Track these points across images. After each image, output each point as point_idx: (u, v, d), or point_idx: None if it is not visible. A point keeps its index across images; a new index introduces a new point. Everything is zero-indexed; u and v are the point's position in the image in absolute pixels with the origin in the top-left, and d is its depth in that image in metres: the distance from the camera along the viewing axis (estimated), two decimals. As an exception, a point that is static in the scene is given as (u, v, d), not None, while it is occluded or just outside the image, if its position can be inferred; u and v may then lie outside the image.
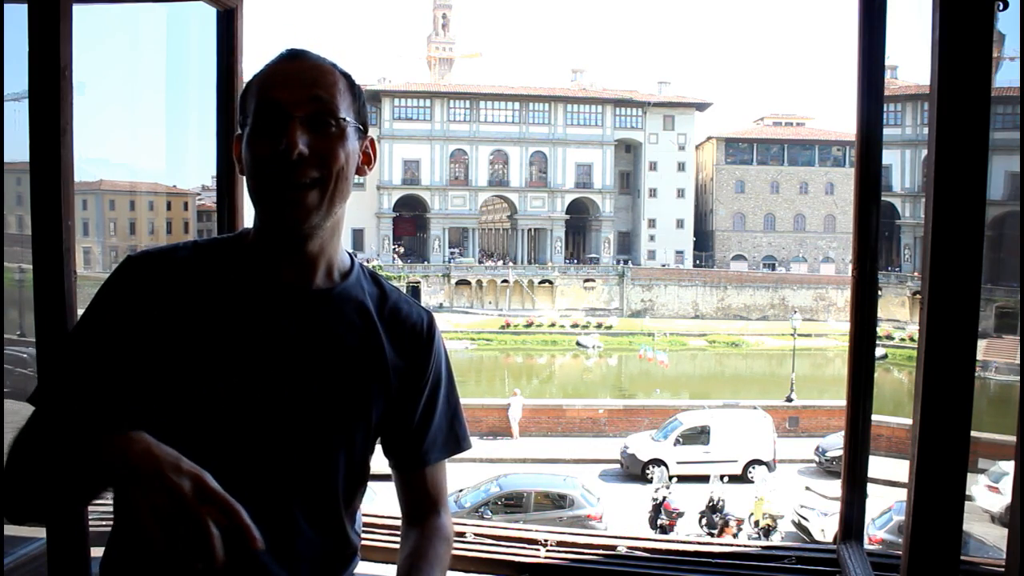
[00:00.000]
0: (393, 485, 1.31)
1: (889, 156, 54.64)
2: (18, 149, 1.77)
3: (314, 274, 1.16)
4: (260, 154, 1.08)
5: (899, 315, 48.88)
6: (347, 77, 1.15)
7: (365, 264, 1.28)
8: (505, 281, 54.89)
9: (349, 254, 1.24)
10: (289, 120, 1.07)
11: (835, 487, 12.85)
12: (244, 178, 1.13)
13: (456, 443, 1.31)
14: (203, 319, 1.10)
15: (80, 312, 1.73)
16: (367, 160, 1.18)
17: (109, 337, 1.08)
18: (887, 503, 13.40)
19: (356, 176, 1.17)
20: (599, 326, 51.09)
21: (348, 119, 1.11)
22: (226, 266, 1.15)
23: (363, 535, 1.48)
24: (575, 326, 50.94)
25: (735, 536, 14.14)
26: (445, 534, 1.28)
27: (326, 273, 1.17)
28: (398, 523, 1.33)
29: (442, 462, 1.31)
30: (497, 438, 21.32)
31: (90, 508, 1.87)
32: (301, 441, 1.13)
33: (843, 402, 2.07)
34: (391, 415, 1.22)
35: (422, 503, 1.30)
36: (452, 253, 60.87)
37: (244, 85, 1.15)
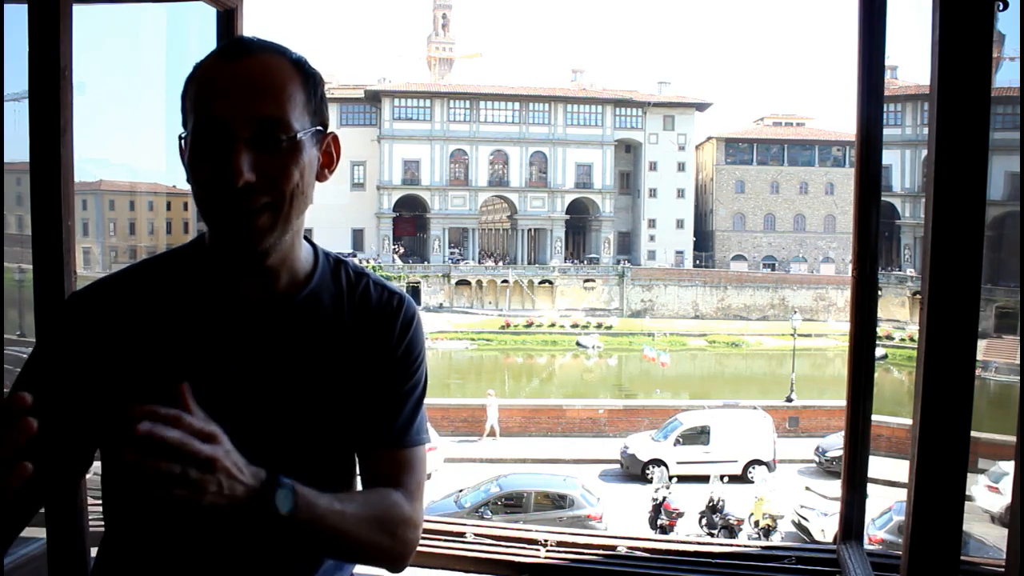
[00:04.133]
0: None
1: (889, 156, 54.61)
2: (18, 149, 1.77)
3: (276, 284, 1.09)
4: (203, 177, 0.97)
5: (899, 315, 48.86)
6: (300, 68, 1.01)
7: (339, 256, 1.20)
8: (505, 281, 54.89)
9: (311, 244, 1.15)
10: (233, 142, 0.95)
11: (835, 487, 12.85)
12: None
13: (417, 434, 1.18)
14: (164, 340, 1.04)
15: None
16: (328, 161, 1.08)
17: (57, 384, 1.01)
18: (887, 503, 13.41)
19: (317, 182, 1.07)
20: (599, 326, 51.07)
21: (302, 128, 1.00)
22: (183, 281, 1.08)
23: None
24: (575, 326, 50.93)
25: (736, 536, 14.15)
26: (389, 500, 1.11)
27: (289, 279, 1.10)
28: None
29: (404, 454, 1.17)
30: (478, 439, 21.17)
31: (90, 508, 1.87)
32: (278, 454, 1.07)
33: (843, 402, 2.07)
34: (364, 403, 1.15)
35: (382, 482, 1.15)
36: (452, 253, 60.88)
37: (185, 78, 1.02)
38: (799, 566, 2.09)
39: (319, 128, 1.04)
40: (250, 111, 0.96)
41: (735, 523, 14.92)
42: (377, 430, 1.16)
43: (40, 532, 1.90)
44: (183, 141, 1.01)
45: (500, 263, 59.23)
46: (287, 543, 1.04)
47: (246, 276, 1.07)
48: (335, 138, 1.09)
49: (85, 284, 1.09)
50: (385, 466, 1.16)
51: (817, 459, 19.63)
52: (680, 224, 64.34)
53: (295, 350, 1.10)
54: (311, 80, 1.03)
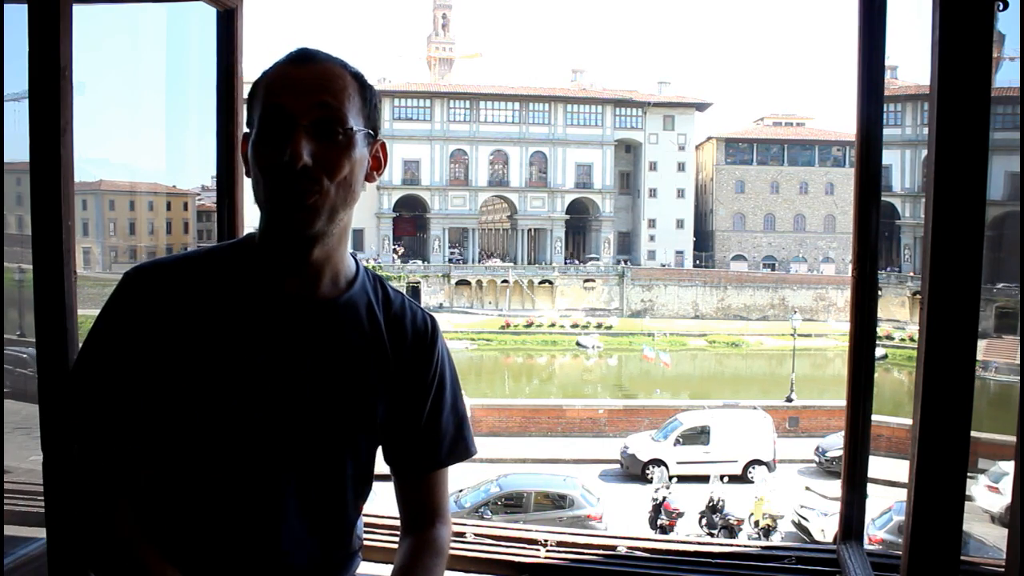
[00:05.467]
0: (393, 487, 1.30)
1: (889, 156, 54.59)
2: (18, 149, 1.76)
3: (319, 283, 1.15)
4: (265, 161, 1.06)
5: (899, 315, 48.85)
6: (358, 79, 1.12)
7: (367, 265, 1.28)
8: (505, 281, 54.87)
9: (354, 258, 1.22)
10: (294, 128, 1.04)
11: (835, 487, 12.85)
12: (246, 178, 1.11)
13: (465, 450, 1.30)
14: (209, 333, 1.10)
15: (80, 313, 1.73)
16: (377, 165, 1.16)
17: (124, 364, 1.08)
18: (887, 503, 13.40)
19: (365, 182, 1.15)
20: (599, 326, 51.06)
21: (356, 126, 1.09)
22: (230, 276, 1.14)
23: (363, 535, 1.48)
24: (575, 326, 50.91)
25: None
26: (438, 547, 1.26)
27: (331, 281, 1.16)
28: (398, 522, 1.33)
29: (445, 471, 1.30)
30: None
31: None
32: (310, 449, 1.14)
33: (843, 402, 2.07)
34: (396, 419, 1.22)
35: (422, 511, 1.28)
36: (452, 252, 60.87)
37: (253, 83, 1.13)
38: (799, 566, 2.09)
39: (371, 132, 1.13)
40: (312, 102, 1.06)
41: (735, 523, 14.91)
42: (426, 454, 1.26)
43: (40, 532, 1.89)
44: (247, 137, 1.10)
45: (500, 262, 59.19)
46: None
47: (292, 272, 1.13)
48: (384, 145, 1.18)
49: (144, 261, 1.16)
50: (431, 486, 1.28)
51: (817, 459, 19.63)
52: (680, 224, 64.31)
53: (331, 350, 1.15)
54: (367, 90, 1.13)
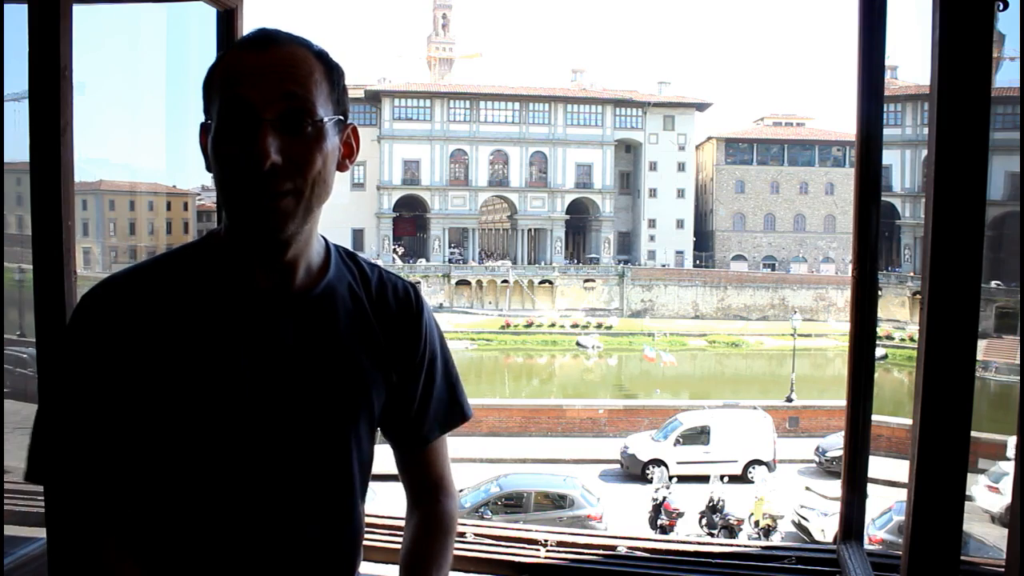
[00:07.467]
0: (395, 485, 1.29)
1: (889, 156, 54.57)
2: (18, 149, 1.77)
3: (294, 276, 1.08)
4: (228, 161, 0.98)
5: (899, 315, 48.84)
6: (323, 60, 1.03)
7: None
8: (505, 281, 54.89)
9: (323, 239, 1.15)
10: (259, 125, 0.95)
11: (835, 487, 12.85)
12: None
13: (460, 414, 1.26)
14: (182, 343, 1.03)
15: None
16: (349, 152, 1.08)
17: (94, 395, 1.01)
18: (887, 503, 13.41)
19: (338, 172, 1.07)
20: (599, 326, 51.07)
21: (326, 115, 1.00)
22: (199, 276, 1.07)
23: (363, 535, 1.48)
24: (575, 326, 50.92)
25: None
26: (446, 525, 1.23)
27: (306, 271, 1.10)
28: (398, 523, 1.33)
29: (443, 439, 1.27)
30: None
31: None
32: (309, 449, 1.09)
33: (843, 402, 2.07)
34: (392, 396, 1.18)
35: (425, 483, 1.26)
36: (452, 252, 60.89)
37: (208, 69, 1.03)
38: (799, 566, 2.09)
39: (340, 118, 1.05)
40: (277, 94, 0.97)
41: (735, 523, 14.92)
42: (424, 425, 1.23)
43: (40, 532, 1.89)
44: (205, 128, 1.01)
45: (500, 262, 59.21)
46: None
47: (263, 269, 1.07)
48: (355, 129, 1.09)
49: (92, 285, 1.06)
50: (432, 456, 1.25)
51: (817, 459, 19.63)
52: (680, 224, 64.30)
53: (315, 343, 1.10)
54: (334, 71, 1.04)
